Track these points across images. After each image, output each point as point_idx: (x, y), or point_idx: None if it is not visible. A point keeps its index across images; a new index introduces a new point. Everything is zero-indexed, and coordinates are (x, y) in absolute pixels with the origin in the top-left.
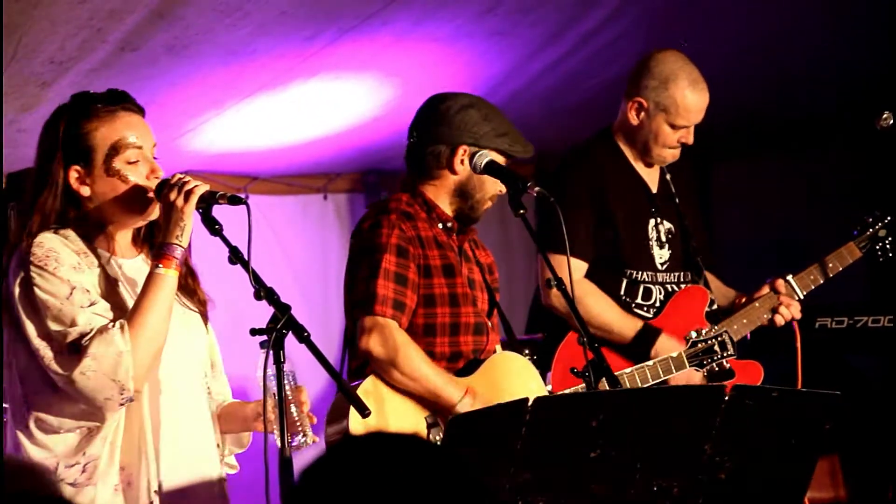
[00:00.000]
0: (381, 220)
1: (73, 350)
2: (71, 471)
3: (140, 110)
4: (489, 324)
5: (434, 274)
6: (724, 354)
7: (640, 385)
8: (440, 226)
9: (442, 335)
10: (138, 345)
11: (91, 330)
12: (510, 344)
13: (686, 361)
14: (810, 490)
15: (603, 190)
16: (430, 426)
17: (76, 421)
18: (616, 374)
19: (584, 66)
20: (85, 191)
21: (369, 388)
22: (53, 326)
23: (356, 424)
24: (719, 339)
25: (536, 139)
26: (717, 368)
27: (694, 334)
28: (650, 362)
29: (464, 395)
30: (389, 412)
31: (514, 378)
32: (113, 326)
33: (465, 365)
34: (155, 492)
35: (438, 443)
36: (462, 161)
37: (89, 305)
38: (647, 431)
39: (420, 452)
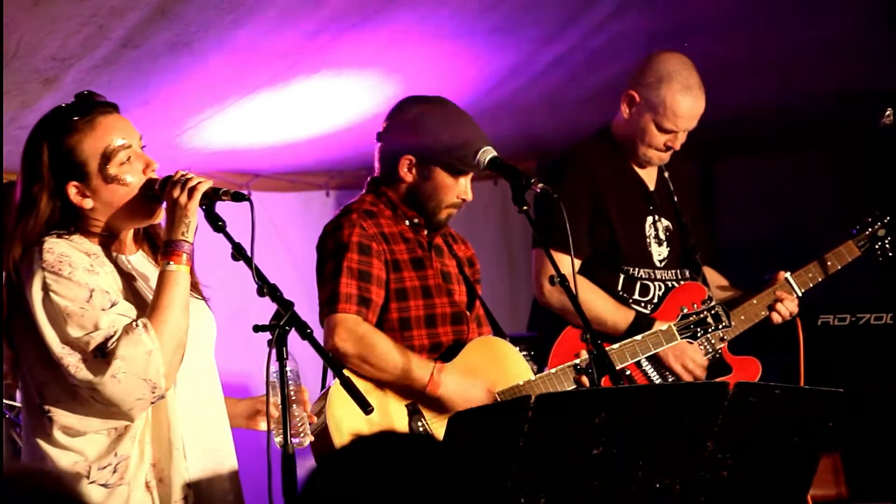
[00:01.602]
0: (341, 221)
1: (99, 354)
2: (103, 472)
3: (114, 107)
4: (468, 314)
5: (403, 268)
6: (720, 326)
7: (629, 360)
8: (406, 223)
9: (419, 328)
10: (164, 342)
11: (115, 332)
12: (495, 332)
13: (677, 334)
14: (812, 488)
15: (598, 188)
16: (410, 414)
17: (103, 421)
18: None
19: (586, 64)
20: (87, 203)
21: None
22: (75, 333)
23: (335, 416)
24: (712, 311)
25: (538, 135)
26: (712, 340)
27: (685, 309)
28: (638, 337)
29: (431, 374)
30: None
31: (497, 361)
32: (137, 326)
33: (445, 350)
34: (188, 485)
35: (420, 429)
36: (409, 170)
37: (111, 307)
38: (649, 429)
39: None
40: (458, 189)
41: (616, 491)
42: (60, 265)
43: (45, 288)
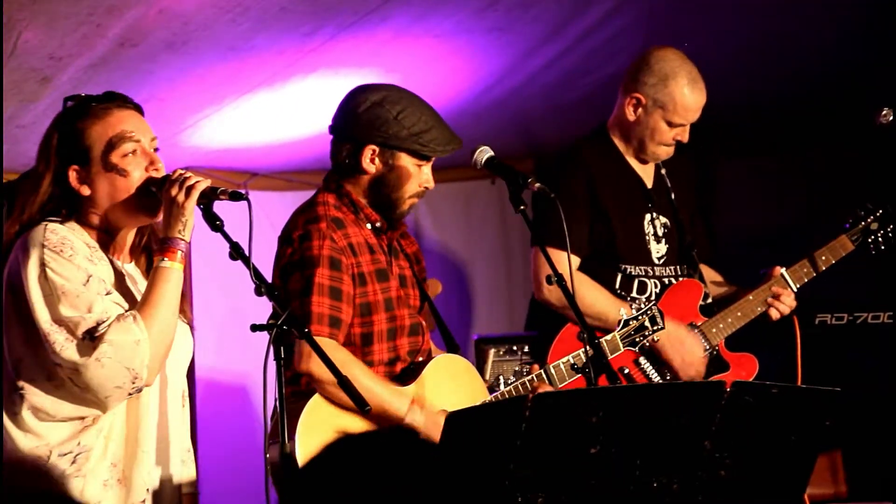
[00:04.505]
0: (310, 230)
1: (87, 337)
2: (63, 460)
3: (137, 108)
4: (423, 323)
5: (368, 281)
6: (654, 329)
7: (575, 375)
8: (368, 226)
9: (380, 342)
10: (152, 335)
11: (108, 317)
12: (443, 335)
13: (620, 343)
14: (810, 486)
15: (596, 186)
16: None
17: (75, 408)
18: (552, 364)
19: (584, 63)
20: (85, 190)
21: (315, 408)
22: (68, 312)
23: (303, 445)
24: (649, 313)
25: (535, 135)
26: (647, 345)
27: (624, 313)
28: (580, 352)
29: (409, 408)
30: (338, 431)
31: (455, 380)
32: (128, 316)
33: (402, 370)
34: (148, 490)
35: None
36: (372, 160)
37: (106, 294)
38: (646, 428)
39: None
40: (421, 177)
41: (614, 490)
42: (63, 246)
43: (43, 265)
